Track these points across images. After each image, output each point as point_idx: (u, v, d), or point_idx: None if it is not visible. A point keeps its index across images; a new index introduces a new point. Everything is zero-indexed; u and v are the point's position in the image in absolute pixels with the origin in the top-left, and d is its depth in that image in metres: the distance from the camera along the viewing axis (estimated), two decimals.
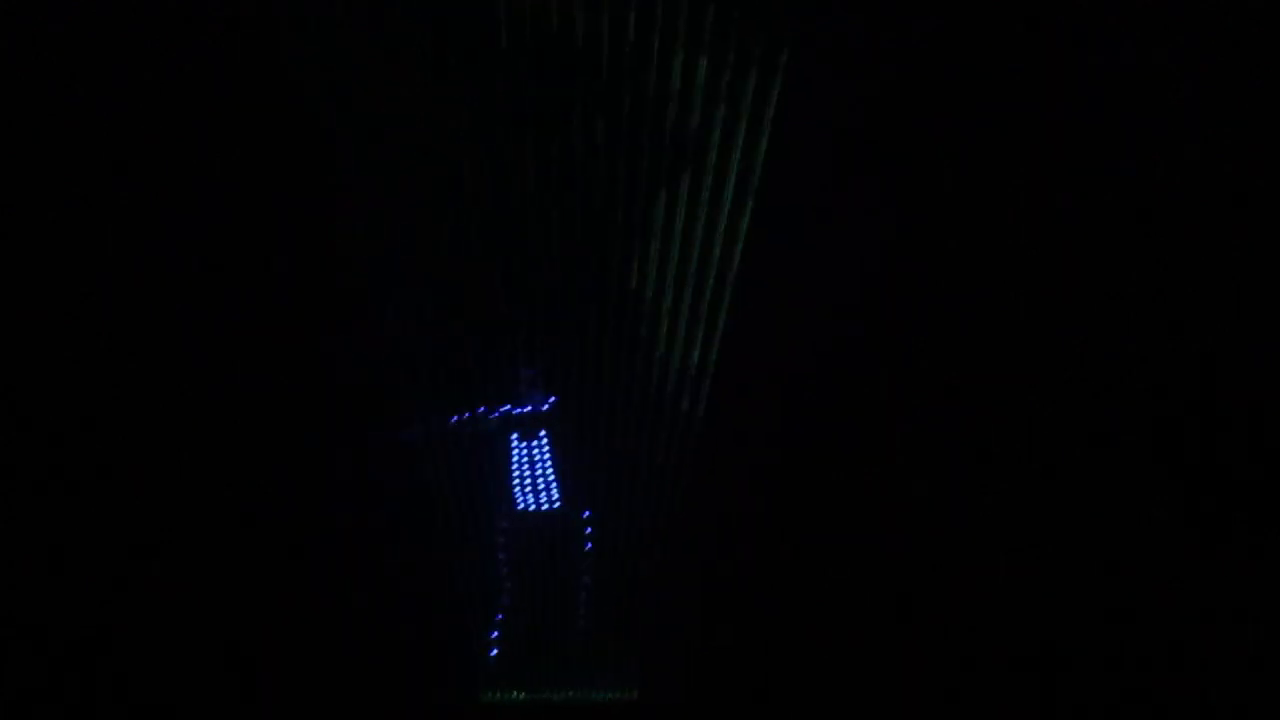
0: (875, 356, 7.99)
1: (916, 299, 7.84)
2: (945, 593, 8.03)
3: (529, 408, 8.35)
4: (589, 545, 8.52)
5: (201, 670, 7.97)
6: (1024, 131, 7.37)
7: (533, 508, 8.38)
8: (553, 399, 8.32)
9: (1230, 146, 7.35)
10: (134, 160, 7.37)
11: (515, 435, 8.35)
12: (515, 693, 8.30)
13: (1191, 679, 6.55)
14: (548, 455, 8.33)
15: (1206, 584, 6.96)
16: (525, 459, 8.36)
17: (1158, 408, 7.53)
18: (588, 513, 8.52)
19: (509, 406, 8.34)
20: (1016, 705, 6.84)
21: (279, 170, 7.39)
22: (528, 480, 8.35)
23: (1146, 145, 7.41)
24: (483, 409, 8.30)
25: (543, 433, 8.33)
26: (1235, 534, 7.17)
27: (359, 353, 8.09)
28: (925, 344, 7.95)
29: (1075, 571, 7.43)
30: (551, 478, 8.37)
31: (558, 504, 8.35)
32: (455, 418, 8.38)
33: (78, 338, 7.71)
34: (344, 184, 7.41)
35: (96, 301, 7.71)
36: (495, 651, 8.45)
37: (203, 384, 7.99)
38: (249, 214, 7.60)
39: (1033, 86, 7.29)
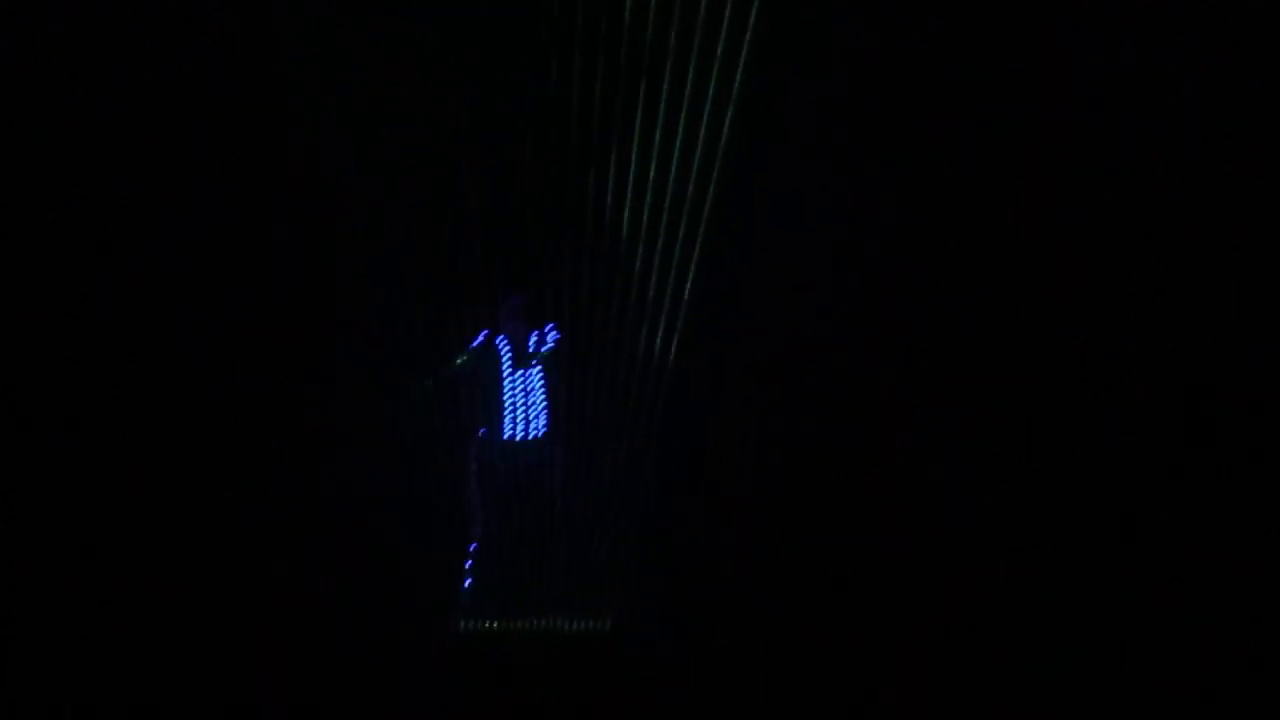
0: (858, 278, 8.05)
1: (894, 218, 7.94)
2: (925, 539, 8.04)
3: (509, 336, 8.41)
4: (564, 476, 8.50)
5: (171, 607, 7.85)
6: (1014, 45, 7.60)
7: (519, 437, 8.40)
8: (551, 332, 8.38)
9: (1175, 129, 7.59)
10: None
11: (506, 365, 8.38)
12: (489, 622, 8.21)
13: (1191, 679, 6.54)
14: (538, 386, 8.37)
15: (1206, 584, 7.02)
16: (519, 389, 8.40)
17: (1155, 407, 7.68)
18: (562, 443, 8.52)
19: (492, 335, 8.40)
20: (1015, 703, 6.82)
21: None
22: (517, 410, 8.39)
23: (1143, 143, 7.62)
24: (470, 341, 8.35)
25: (535, 364, 8.38)
26: (1235, 534, 7.26)
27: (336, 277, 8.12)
28: (905, 263, 8.03)
29: (1073, 570, 7.45)
30: (541, 407, 8.40)
31: (543, 432, 8.36)
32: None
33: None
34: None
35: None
36: (469, 581, 8.38)
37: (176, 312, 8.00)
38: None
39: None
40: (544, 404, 8.42)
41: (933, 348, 8.13)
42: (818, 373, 8.24)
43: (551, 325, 8.37)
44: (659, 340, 8.42)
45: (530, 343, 8.42)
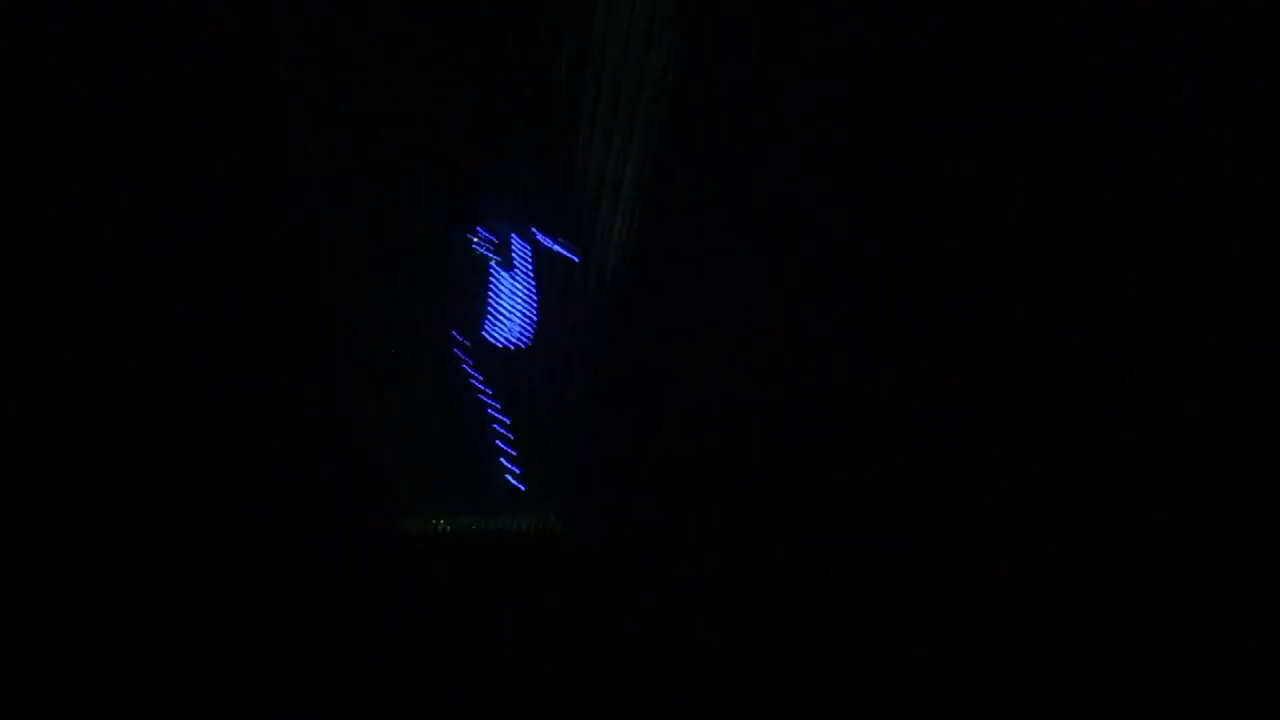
0: (825, 179, 7.79)
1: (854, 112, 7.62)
2: (880, 453, 8.05)
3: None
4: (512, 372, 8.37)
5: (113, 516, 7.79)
6: None
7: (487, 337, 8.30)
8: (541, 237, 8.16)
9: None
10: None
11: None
12: (436, 521, 8.22)
13: (1191, 679, 6.58)
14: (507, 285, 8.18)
15: (1207, 584, 7.03)
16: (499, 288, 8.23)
17: (1155, 407, 7.61)
18: (512, 338, 8.34)
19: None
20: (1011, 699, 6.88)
21: None
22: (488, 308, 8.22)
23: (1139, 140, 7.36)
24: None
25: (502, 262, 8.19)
26: (1236, 534, 7.24)
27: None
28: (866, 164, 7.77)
29: (1068, 570, 7.44)
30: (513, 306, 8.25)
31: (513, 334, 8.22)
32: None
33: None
34: None
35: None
36: (415, 477, 8.35)
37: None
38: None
39: None
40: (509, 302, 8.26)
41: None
42: (774, 283, 8.04)
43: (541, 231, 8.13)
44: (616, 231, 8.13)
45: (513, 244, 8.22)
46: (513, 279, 8.29)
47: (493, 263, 8.22)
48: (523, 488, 8.22)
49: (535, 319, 8.42)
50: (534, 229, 8.15)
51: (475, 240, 8.18)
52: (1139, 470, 7.52)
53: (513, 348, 8.40)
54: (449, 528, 8.30)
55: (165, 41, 7.15)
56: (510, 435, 8.37)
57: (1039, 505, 7.63)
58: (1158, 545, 7.33)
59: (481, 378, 8.37)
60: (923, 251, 7.78)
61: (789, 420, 8.19)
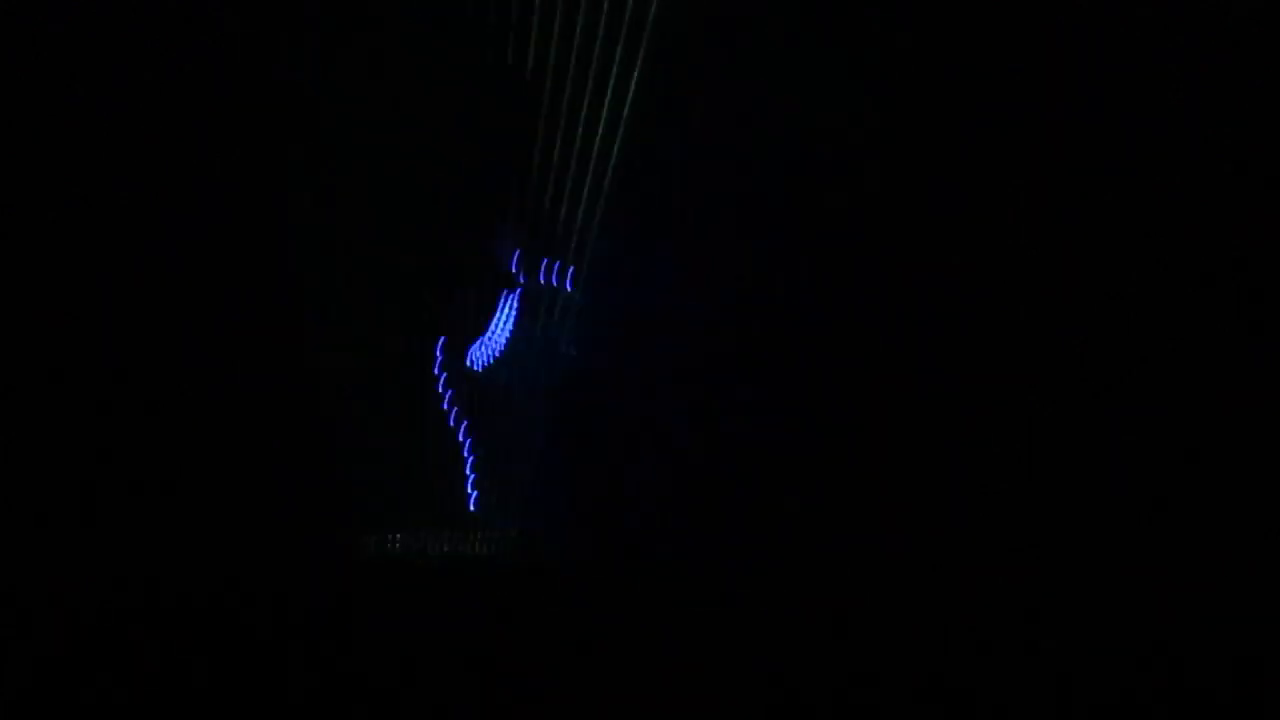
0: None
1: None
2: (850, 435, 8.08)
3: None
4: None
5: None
6: None
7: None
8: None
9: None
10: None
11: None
12: (393, 537, 8.43)
13: (1190, 679, 6.61)
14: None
15: (1207, 584, 6.98)
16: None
17: (1155, 406, 7.55)
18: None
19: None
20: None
21: None
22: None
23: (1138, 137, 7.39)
24: None
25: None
26: (1235, 534, 7.22)
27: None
28: None
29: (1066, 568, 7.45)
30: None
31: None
32: None
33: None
34: None
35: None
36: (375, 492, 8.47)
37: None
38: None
39: None
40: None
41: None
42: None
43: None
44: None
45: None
46: (494, 299, 8.52)
47: (475, 281, 8.45)
48: (474, 508, 8.49)
49: (506, 340, 8.58)
50: (519, 252, 8.34)
51: (465, 255, 8.42)
52: (1138, 470, 7.50)
53: (480, 368, 8.60)
54: (408, 544, 8.50)
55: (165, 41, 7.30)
56: (472, 454, 8.59)
57: (1039, 505, 7.64)
58: (1158, 545, 7.34)
59: (450, 394, 8.57)
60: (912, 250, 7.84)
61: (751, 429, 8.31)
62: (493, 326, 8.53)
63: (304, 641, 6.93)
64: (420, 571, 8.28)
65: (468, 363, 8.56)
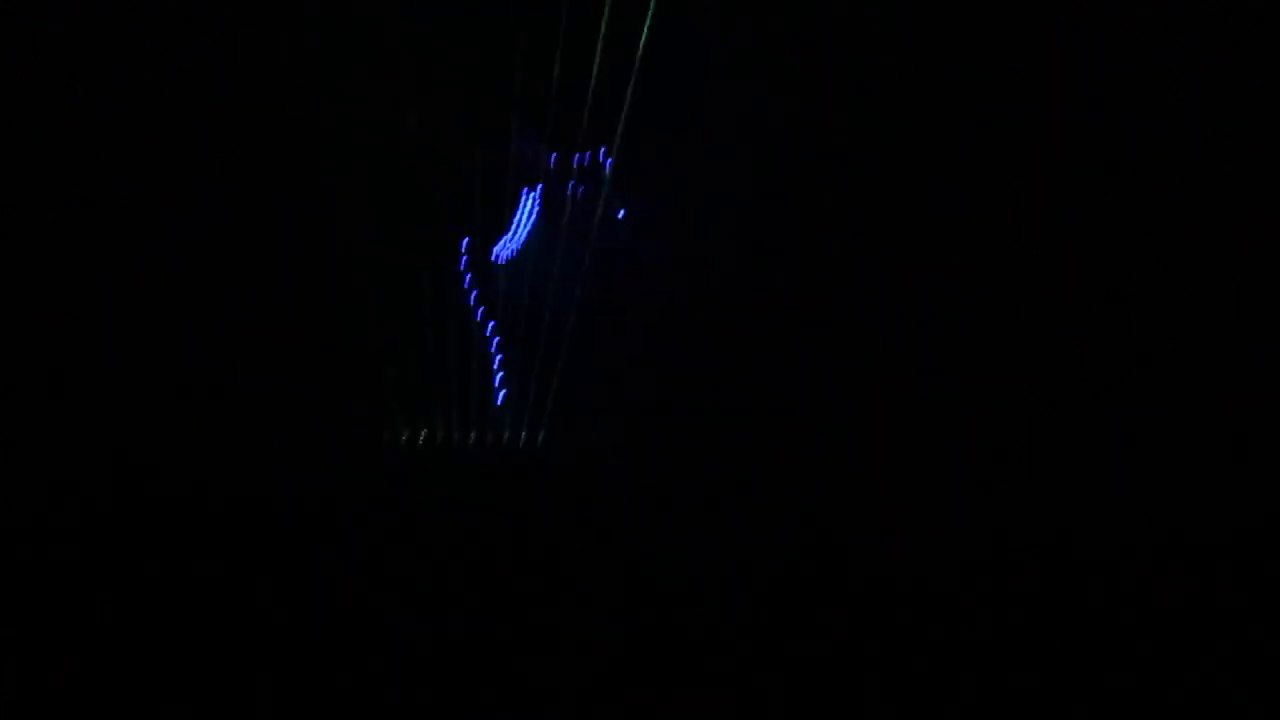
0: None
1: None
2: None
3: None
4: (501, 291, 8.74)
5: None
6: None
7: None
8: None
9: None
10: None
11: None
12: (420, 434, 8.54)
13: (1190, 679, 6.65)
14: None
15: (1207, 585, 7.09)
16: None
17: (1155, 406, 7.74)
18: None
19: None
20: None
21: None
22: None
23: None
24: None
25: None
26: (1235, 535, 7.34)
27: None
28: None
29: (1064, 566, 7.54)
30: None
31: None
32: None
33: None
34: None
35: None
36: (401, 392, 8.60)
37: None
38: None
39: None
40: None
41: None
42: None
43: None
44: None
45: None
46: (527, 200, 8.64)
47: (509, 179, 8.54)
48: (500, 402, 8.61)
49: (537, 240, 8.71)
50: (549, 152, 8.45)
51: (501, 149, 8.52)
52: (1138, 470, 7.66)
53: (507, 265, 8.71)
54: (435, 440, 8.56)
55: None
56: (499, 354, 8.75)
57: (1038, 505, 7.73)
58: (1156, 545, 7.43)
59: (476, 293, 8.73)
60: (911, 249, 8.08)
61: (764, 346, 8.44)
62: (518, 224, 8.67)
63: (334, 538, 7.10)
64: (445, 466, 8.39)
65: (495, 259, 8.72)
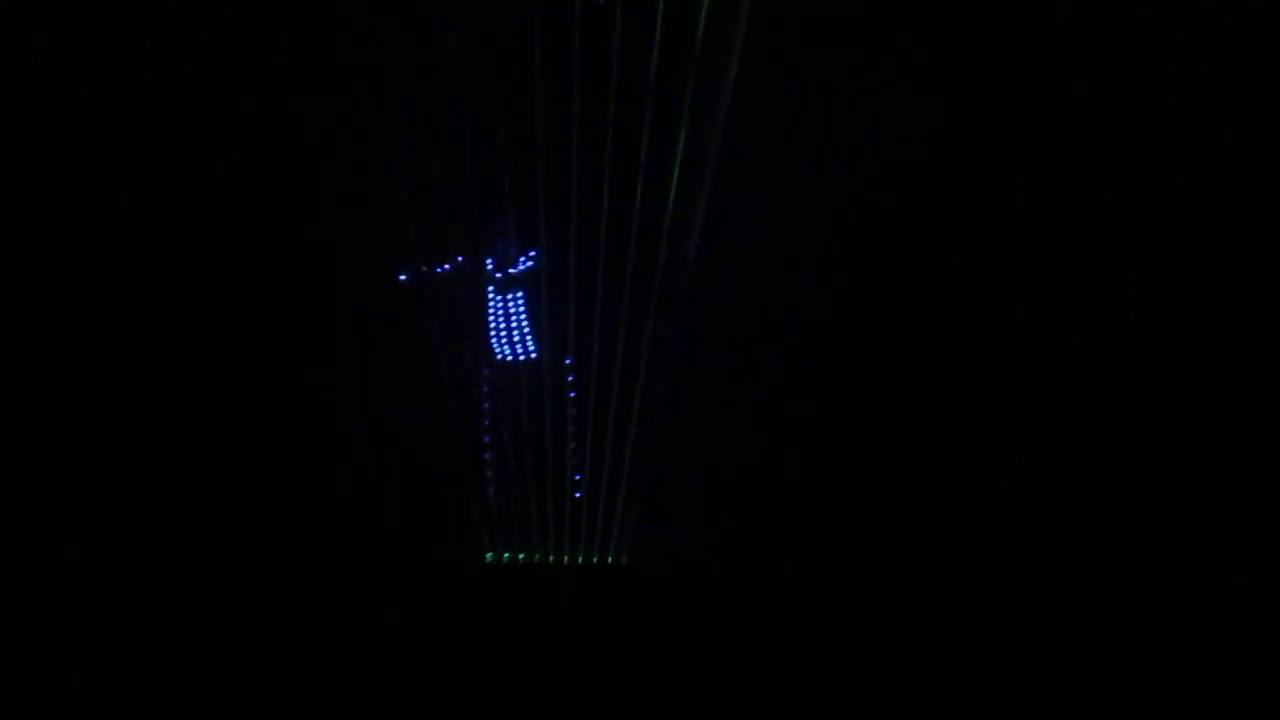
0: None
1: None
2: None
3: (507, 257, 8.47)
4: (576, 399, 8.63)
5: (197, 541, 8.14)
6: None
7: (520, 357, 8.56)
8: (532, 254, 8.41)
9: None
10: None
11: (492, 289, 8.50)
12: (511, 553, 8.53)
13: (1190, 679, 6.68)
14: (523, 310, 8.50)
15: (1207, 585, 7.12)
16: (502, 312, 8.52)
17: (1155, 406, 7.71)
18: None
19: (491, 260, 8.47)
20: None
21: None
22: (516, 335, 8.52)
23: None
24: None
25: (520, 292, 8.48)
26: (1235, 535, 7.36)
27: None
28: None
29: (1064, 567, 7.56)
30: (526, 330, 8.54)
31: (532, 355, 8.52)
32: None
33: None
34: None
35: None
36: (495, 511, 8.61)
37: None
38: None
39: None
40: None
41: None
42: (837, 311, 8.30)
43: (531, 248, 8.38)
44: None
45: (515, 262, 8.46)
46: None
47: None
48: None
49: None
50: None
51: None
52: (1138, 470, 7.64)
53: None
54: (522, 559, 8.59)
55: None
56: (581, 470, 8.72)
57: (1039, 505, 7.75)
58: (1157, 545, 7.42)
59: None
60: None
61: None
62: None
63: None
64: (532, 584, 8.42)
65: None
